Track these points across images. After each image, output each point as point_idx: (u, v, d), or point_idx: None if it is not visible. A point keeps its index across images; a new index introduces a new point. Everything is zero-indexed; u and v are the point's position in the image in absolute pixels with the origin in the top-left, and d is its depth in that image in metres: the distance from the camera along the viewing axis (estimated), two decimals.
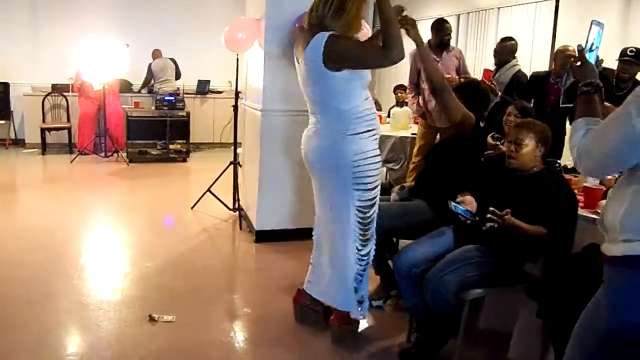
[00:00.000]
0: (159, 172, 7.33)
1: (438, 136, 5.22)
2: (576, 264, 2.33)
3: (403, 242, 3.55)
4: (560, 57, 4.53)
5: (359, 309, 2.91)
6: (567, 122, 4.32)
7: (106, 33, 7.90)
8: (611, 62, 5.38)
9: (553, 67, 4.67)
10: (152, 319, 3.11)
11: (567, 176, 3.10)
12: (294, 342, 3.03)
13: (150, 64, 8.74)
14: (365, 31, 4.67)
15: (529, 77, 4.98)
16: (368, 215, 2.78)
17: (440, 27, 5.06)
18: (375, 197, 2.79)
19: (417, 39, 3.04)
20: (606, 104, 4.01)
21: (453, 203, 2.64)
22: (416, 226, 3.12)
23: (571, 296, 2.17)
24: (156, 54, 8.81)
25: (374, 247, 2.89)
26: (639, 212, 1.61)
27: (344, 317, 2.93)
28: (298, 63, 2.81)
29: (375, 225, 2.87)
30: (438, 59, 5.04)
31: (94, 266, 4.00)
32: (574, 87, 2.06)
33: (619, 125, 1.59)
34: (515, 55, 5.01)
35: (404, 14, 2.89)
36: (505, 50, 4.93)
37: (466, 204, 2.67)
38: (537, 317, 2.61)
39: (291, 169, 4.41)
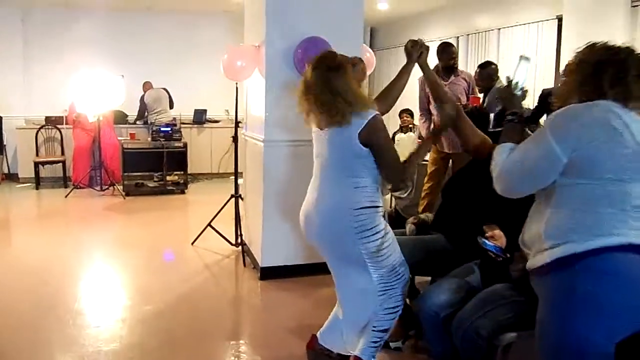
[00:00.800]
0: (156, 205, 7.12)
1: (450, 162, 5.04)
2: None
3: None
4: None
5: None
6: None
7: (100, 64, 7.75)
8: None
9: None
10: None
11: None
12: None
13: (142, 96, 8.59)
14: (369, 56, 4.54)
15: (540, 93, 4.84)
16: None
17: (444, 50, 4.99)
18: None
19: (424, 65, 3.04)
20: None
21: (482, 239, 2.43)
22: (434, 262, 2.94)
23: None
24: (147, 86, 8.68)
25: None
26: (559, 221, 1.83)
27: None
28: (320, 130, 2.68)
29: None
30: (446, 82, 4.89)
31: (90, 311, 3.77)
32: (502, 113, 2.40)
33: (539, 145, 1.83)
34: (497, 77, 4.91)
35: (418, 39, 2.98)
36: (485, 76, 4.82)
37: (495, 239, 2.46)
38: None
39: (296, 200, 4.19)
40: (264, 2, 4.03)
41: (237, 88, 4.85)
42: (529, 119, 3.92)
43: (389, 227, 2.68)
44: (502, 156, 1.96)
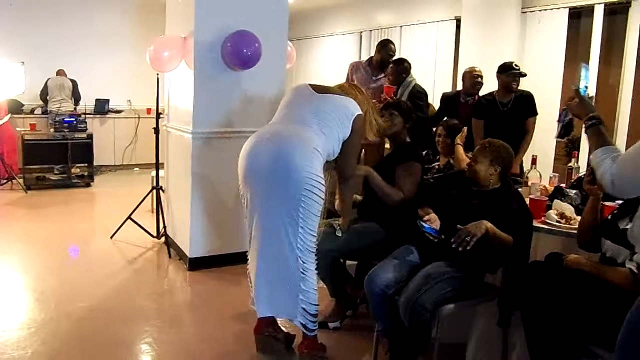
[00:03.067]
0: (63, 199, 6.83)
1: (363, 153, 5.29)
2: (541, 271, 2.46)
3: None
4: (468, 77, 4.85)
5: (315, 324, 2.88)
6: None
7: None
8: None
9: (462, 87, 4.94)
10: None
11: None
12: None
13: (47, 80, 8.14)
14: (290, 50, 4.69)
15: (441, 97, 5.22)
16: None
17: (385, 46, 5.12)
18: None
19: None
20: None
21: (421, 222, 2.68)
22: (370, 247, 3.17)
23: (544, 301, 2.29)
24: (60, 74, 8.26)
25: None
26: None
27: (313, 343, 2.88)
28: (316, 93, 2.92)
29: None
30: (374, 78, 5.12)
31: (12, 314, 3.58)
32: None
33: None
34: (410, 73, 5.07)
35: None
36: (398, 72, 4.96)
37: (432, 222, 2.72)
38: (498, 325, 2.74)
39: (224, 191, 4.29)
40: None
41: (158, 79, 4.80)
42: None
43: None
44: (607, 162, 1.95)
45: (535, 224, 2.89)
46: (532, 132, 4.40)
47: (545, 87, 5.82)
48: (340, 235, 3.13)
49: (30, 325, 3.36)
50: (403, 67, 4.98)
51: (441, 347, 2.71)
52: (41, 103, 8.35)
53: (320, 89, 2.95)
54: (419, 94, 4.89)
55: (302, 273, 2.77)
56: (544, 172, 3.75)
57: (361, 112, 2.91)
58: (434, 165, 3.88)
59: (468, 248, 2.49)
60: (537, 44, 6.16)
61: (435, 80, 7.42)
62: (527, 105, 4.37)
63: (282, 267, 2.78)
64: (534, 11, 6.16)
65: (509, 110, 4.36)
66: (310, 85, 2.99)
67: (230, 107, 4.26)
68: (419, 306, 2.49)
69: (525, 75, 4.39)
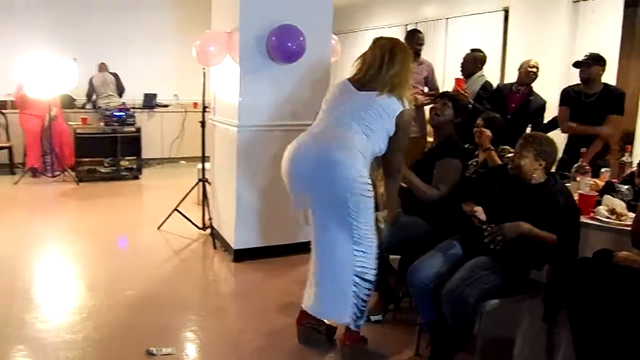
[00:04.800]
0: (112, 191, 7.04)
1: None
2: (589, 268, 2.40)
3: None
4: (524, 68, 4.83)
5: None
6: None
7: (49, 47, 7.52)
8: (559, 70, 5.66)
9: (517, 77, 4.89)
10: (150, 353, 2.94)
11: None
12: None
13: (91, 78, 8.39)
14: (334, 43, 4.69)
15: (494, 87, 5.16)
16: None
17: (413, 36, 5.16)
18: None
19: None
20: (573, 124, 4.25)
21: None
22: (413, 241, 3.14)
23: (592, 299, 2.24)
24: (101, 67, 8.49)
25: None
26: None
27: (355, 336, 2.90)
28: (358, 90, 2.84)
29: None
30: None
31: (51, 302, 3.72)
32: None
33: None
34: (482, 67, 5.15)
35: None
36: (474, 60, 5.05)
37: (479, 213, 2.69)
38: (543, 322, 2.69)
39: (269, 183, 4.33)
40: None
41: (204, 74, 4.89)
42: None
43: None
44: None
45: (584, 219, 2.82)
46: (609, 129, 4.20)
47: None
48: (383, 227, 3.11)
49: (81, 311, 3.49)
50: (479, 56, 4.99)
51: (484, 342, 2.69)
52: (91, 98, 8.60)
53: (361, 83, 2.85)
54: (491, 88, 4.99)
55: (357, 271, 2.80)
56: None
57: (405, 108, 2.79)
58: (472, 161, 3.80)
59: (497, 247, 2.46)
60: (590, 35, 5.96)
61: (485, 71, 7.27)
62: (611, 102, 4.18)
63: (335, 267, 2.83)
64: (586, 0, 5.96)
65: (592, 103, 4.22)
66: (350, 79, 2.91)
67: (275, 100, 4.29)
68: (461, 299, 2.47)
69: (582, 65, 4.24)
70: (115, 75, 8.53)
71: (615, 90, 4.29)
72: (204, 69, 4.81)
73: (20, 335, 3.14)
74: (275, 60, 4.18)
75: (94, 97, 8.38)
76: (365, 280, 2.82)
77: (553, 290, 2.59)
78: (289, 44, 4.03)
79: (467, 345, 2.67)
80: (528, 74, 4.77)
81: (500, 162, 3.36)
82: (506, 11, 6.70)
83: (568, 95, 4.40)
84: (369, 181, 2.74)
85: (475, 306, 2.50)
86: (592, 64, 4.19)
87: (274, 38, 4.07)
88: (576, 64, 4.28)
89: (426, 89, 5.33)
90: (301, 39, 4.06)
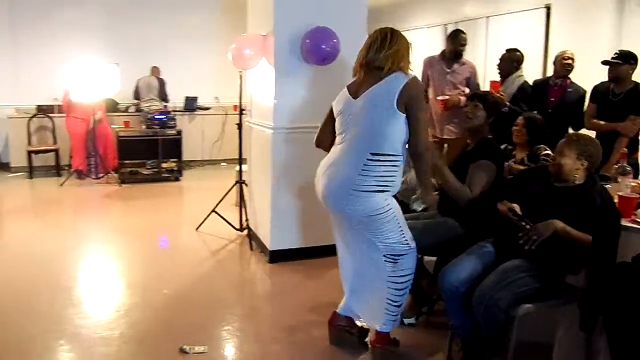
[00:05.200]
0: (153, 192, 7.19)
1: (445, 147, 5.22)
2: (628, 273, 2.32)
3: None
4: (559, 60, 4.76)
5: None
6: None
7: (93, 52, 7.79)
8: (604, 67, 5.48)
9: (553, 70, 4.83)
10: (183, 351, 2.99)
11: None
12: None
13: (138, 80, 8.61)
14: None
15: (532, 84, 5.06)
16: None
17: (456, 37, 5.13)
18: None
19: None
20: (599, 121, 4.13)
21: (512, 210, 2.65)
22: (445, 243, 3.11)
23: (631, 305, 2.16)
24: (153, 71, 8.75)
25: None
26: None
27: (385, 338, 2.88)
28: (353, 98, 2.84)
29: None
30: (448, 70, 5.06)
31: (94, 299, 3.85)
32: None
33: None
34: (520, 67, 5.06)
35: None
36: (510, 60, 4.98)
37: (516, 210, 2.64)
38: (580, 329, 2.61)
39: (303, 185, 4.34)
40: None
41: (240, 76, 4.95)
42: None
43: (392, 201, 2.83)
44: None
45: (625, 222, 2.72)
46: (626, 125, 4.09)
47: None
48: (419, 208, 3.06)
49: (119, 308, 3.59)
50: (516, 56, 4.94)
51: (519, 347, 2.63)
52: (134, 101, 8.84)
53: (356, 88, 2.86)
54: (529, 89, 4.90)
55: (390, 279, 2.83)
56: None
57: (405, 82, 2.70)
58: (510, 162, 3.72)
59: (533, 247, 2.40)
60: (637, 30, 5.76)
61: (523, 70, 7.13)
62: (637, 101, 4.08)
63: (367, 275, 2.92)
64: None
65: (619, 101, 4.14)
66: (348, 87, 2.93)
67: (310, 102, 4.30)
68: (493, 304, 2.42)
69: (619, 59, 4.13)
70: (161, 81, 8.74)
71: None
72: (240, 71, 4.86)
73: (60, 330, 3.25)
74: (309, 63, 4.19)
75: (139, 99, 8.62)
76: (397, 287, 2.81)
77: (590, 296, 2.50)
78: (323, 46, 4.04)
79: (500, 351, 2.62)
80: (563, 65, 4.69)
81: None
82: (548, 8, 6.54)
83: (597, 92, 4.34)
84: (387, 203, 2.75)
85: (507, 311, 2.45)
86: (622, 62, 4.11)
87: (308, 40, 4.08)
88: (605, 62, 4.19)
89: (467, 90, 5.26)
90: (335, 40, 4.06)
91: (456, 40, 5.08)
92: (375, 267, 2.87)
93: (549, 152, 3.44)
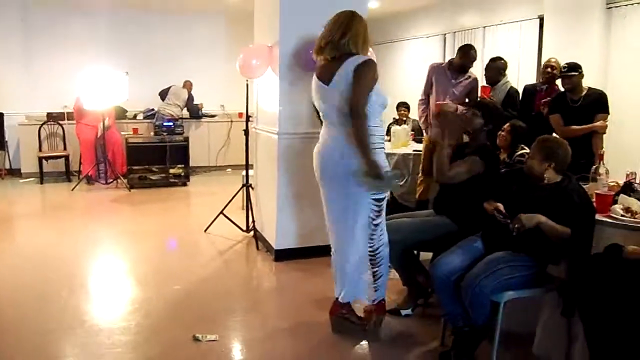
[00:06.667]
0: (162, 197, 7.45)
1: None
2: (600, 263, 2.56)
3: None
4: (542, 68, 5.20)
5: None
6: None
7: (102, 62, 8.07)
8: (595, 75, 5.72)
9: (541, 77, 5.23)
10: (196, 339, 3.23)
11: None
12: (335, 354, 3.20)
13: (171, 86, 8.99)
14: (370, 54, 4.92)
15: (522, 89, 5.36)
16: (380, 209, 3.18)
17: (467, 53, 5.33)
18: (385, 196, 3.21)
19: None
20: (573, 127, 4.40)
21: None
22: (440, 239, 3.35)
23: (603, 292, 2.40)
24: (185, 84, 9.14)
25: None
26: None
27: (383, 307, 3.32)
28: (326, 85, 3.15)
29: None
30: (454, 81, 5.29)
31: (118, 293, 4.11)
32: None
33: None
34: (505, 73, 5.32)
35: None
36: (494, 69, 5.24)
37: (501, 209, 2.89)
38: (561, 315, 2.84)
39: (307, 187, 4.59)
40: (279, 6, 4.39)
41: (247, 84, 5.22)
42: None
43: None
44: None
45: (600, 217, 2.97)
46: (602, 123, 4.48)
47: (634, 83, 5.73)
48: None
49: (133, 302, 3.85)
50: (500, 64, 5.25)
51: (506, 336, 2.87)
52: (142, 109, 9.19)
53: (324, 74, 3.17)
54: (517, 94, 5.23)
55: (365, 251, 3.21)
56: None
57: (358, 63, 3.02)
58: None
59: (515, 233, 2.69)
60: (624, 40, 6.03)
61: (518, 79, 7.38)
62: (597, 103, 4.52)
63: (345, 253, 3.26)
64: (619, 6, 6.03)
65: (580, 107, 4.54)
66: (317, 75, 3.25)
67: (313, 109, 4.55)
68: (479, 291, 2.67)
69: (570, 71, 4.52)
70: (190, 95, 9.11)
71: (597, 91, 4.63)
72: (247, 80, 5.13)
73: (80, 322, 3.50)
74: (311, 72, 4.43)
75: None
76: (372, 258, 3.20)
77: (568, 285, 2.74)
78: None
79: (488, 335, 2.87)
80: (545, 72, 5.05)
81: None
82: (541, 19, 6.80)
83: (554, 103, 4.71)
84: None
85: (492, 297, 2.69)
86: (575, 73, 4.51)
87: (310, 51, 4.31)
88: (560, 76, 4.66)
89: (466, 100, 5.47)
90: None
91: (466, 56, 5.30)
92: (349, 243, 3.23)
93: (526, 151, 3.73)
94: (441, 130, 3.67)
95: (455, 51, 8.36)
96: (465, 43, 6.02)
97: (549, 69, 4.99)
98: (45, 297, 3.91)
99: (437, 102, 5.27)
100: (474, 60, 5.38)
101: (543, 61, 6.54)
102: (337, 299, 3.34)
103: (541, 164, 2.87)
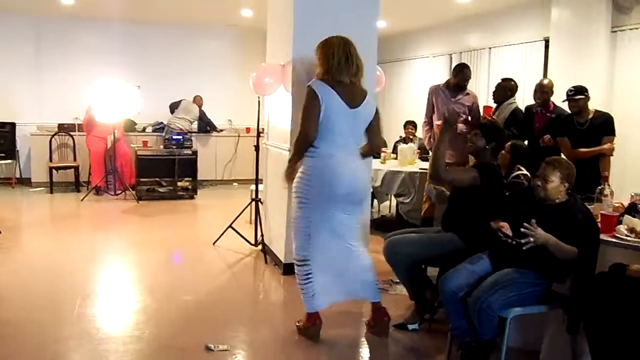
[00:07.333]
0: (170, 209, 7.55)
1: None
2: (605, 281, 2.64)
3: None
4: (534, 89, 5.22)
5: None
6: None
7: (113, 74, 8.24)
8: (599, 97, 5.83)
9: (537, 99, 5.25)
10: (208, 348, 3.31)
11: None
12: None
13: (182, 100, 9.14)
14: (379, 74, 5.05)
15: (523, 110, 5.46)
16: None
17: (460, 71, 5.49)
18: None
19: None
20: (582, 149, 4.49)
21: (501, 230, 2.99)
22: (448, 256, 3.43)
23: (607, 310, 2.48)
24: (195, 99, 9.29)
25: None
26: None
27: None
28: (350, 108, 3.33)
29: None
30: (453, 99, 5.41)
31: (129, 303, 4.18)
32: None
33: None
34: (514, 94, 5.44)
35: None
36: (503, 89, 5.37)
37: (506, 229, 2.97)
38: (567, 332, 2.92)
39: None
40: (292, 27, 4.52)
41: (259, 102, 5.34)
42: None
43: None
44: None
45: (605, 237, 3.05)
46: (609, 145, 4.58)
47: (638, 105, 5.85)
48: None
49: (145, 312, 3.93)
50: (510, 85, 5.36)
51: (513, 353, 2.93)
52: (151, 122, 9.33)
53: (349, 97, 3.40)
54: (522, 114, 5.31)
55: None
56: None
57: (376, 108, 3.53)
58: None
59: (524, 248, 2.78)
60: (628, 63, 6.15)
61: (523, 100, 7.48)
62: (604, 126, 4.61)
63: (345, 257, 3.49)
64: (624, 30, 6.16)
65: (587, 129, 4.62)
66: (339, 93, 3.39)
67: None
68: (487, 306, 2.75)
69: (577, 94, 4.59)
70: (202, 111, 9.30)
71: (604, 114, 4.70)
72: (258, 97, 5.25)
73: (94, 330, 3.58)
74: None
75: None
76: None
77: (574, 302, 2.82)
78: None
79: (495, 350, 2.94)
80: (535, 94, 5.13)
81: None
82: (546, 41, 6.93)
83: (560, 125, 4.79)
84: None
85: (499, 313, 2.77)
86: (582, 97, 4.60)
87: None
88: (567, 99, 4.68)
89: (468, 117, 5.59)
90: None
91: (460, 76, 5.46)
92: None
93: (522, 172, 3.86)
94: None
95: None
96: (459, 62, 6.15)
97: (535, 92, 5.09)
98: (56, 305, 3.99)
99: (437, 122, 5.38)
100: (468, 79, 5.55)
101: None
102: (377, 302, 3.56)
103: (559, 186, 2.97)
